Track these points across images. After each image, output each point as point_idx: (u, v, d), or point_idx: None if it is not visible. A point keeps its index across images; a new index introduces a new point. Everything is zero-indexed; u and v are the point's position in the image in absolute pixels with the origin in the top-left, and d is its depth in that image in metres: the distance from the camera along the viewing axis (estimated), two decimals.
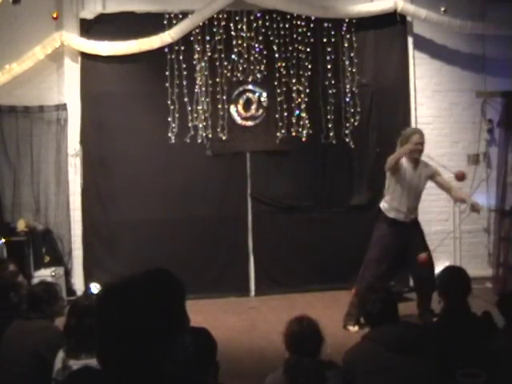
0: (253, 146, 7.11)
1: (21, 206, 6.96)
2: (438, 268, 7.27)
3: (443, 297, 3.33)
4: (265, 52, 7.05)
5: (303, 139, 7.13)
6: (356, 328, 5.43)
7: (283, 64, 7.07)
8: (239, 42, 7.00)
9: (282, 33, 7.05)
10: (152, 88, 6.98)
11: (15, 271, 4.03)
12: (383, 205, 5.58)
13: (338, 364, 2.93)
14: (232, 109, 7.09)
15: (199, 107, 7.00)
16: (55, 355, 2.98)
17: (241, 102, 7.10)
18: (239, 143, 7.11)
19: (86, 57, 6.92)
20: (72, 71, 6.96)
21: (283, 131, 7.08)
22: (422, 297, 5.43)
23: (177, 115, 6.98)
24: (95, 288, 5.99)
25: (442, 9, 7.03)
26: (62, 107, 6.96)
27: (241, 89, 7.10)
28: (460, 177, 5.67)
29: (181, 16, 6.90)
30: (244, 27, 6.99)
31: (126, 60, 6.90)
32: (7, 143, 6.94)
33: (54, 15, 6.74)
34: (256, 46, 7.02)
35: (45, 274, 6.34)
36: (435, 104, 7.45)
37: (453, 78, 7.45)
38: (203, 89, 7.00)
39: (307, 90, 7.12)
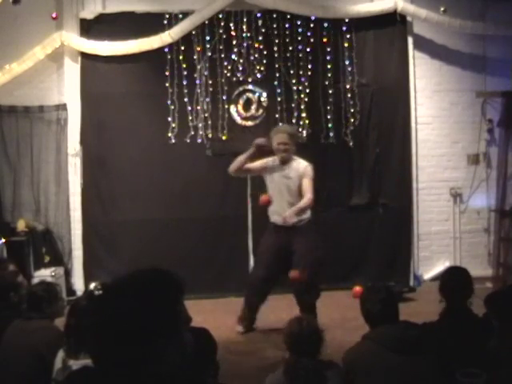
0: None
1: (21, 205, 6.95)
2: (439, 268, 7.36)
3: (445, 297, 3.33)
4: (265, 52, 7.04)
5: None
6: (241, 329, 5.50)
7: (283, 64, 7.07)
8: (239, 42, 7.00)
9: (282, 33, 7.05)
10: (152, 88, 6.98)
11: (15, 271, 4.04)
12: (269, 209, 5.43)
13: (337, 364, 2.93)
14: (232, 109, 7.09)
15: (199, 107, 7.00)
16: (55, 355, 2.98)
17: (241, 102, 7.10)
18: (239, 143, 7.09)
19: (85, 57, 6.91)
20: (72, 71, 6.95)
21: None
22: (299, 306, 5.34)
23: (177, 115, 6.98)
24: (95, 288, 5.98)
25: (442, 9, 7.04)
26: (62, 107, 6.95)
27: (241, 89, 7.09)
28: (264, 202, 5.31)
29: (181, 16, 6.90)
30: (244, 27, 6.99)
31: (125, 60, 6.90)
32: (7, 143, 6.94)
33: (54, 15, 6.74)
34: (256, 45, 7.02)
35: (45, 274, 6.33)
36: (435, 104, 7.45)
37: (453, 78, 7.45)
38: (203, 89, 7.00)
39: (307, 90, 7.11)
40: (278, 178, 5.34)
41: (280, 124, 6.95)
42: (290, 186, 5.32)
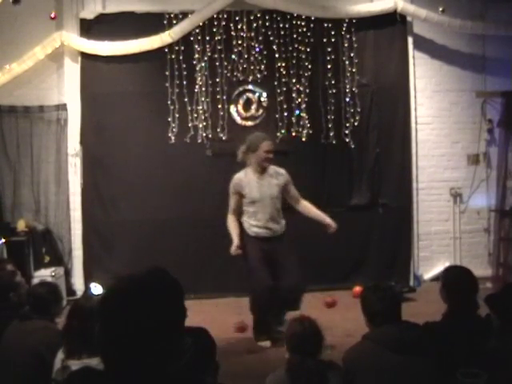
0: None
1: (21, 205, 6.96)
2: (439, 268, 7.35)
3: (448, 297, 3.32)
4: (265, 52, 7.04)
5: (303, 139, 7.13)
6: (268, 343, 5.14)
7: (283, 64, 7.07)
8: (239, 41, 7.00)
9: (282, 33, 7.05)
10: (152, 88, 6.98)
11: (13, 271, 4.02)
12: (243, 223, 5.26)
13: (337, 364, 2.93)
14: (232, 109, 7.09)
15: (199, 107, 7.00)
16: (55, 355, 2.97)
17: (241, 102, 7.10)
18: (239, 143, 7.07)
19: (85, 57, 6.91)
20: (72, 71, 6.96)
21: (283, 131, 7.08)
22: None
23: (177, 115, 6.98)
24: (95, 288, 5.97)
25: (440, 9, 7.04)
26: (62, 107, 6.95)
27: (241, 89, 7.09)
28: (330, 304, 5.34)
29: (181, 16, 6.90)
30: (244, 27, 6.99)
31: (125, 60, 6.90)
32: (7, 143, 6.94)
33: (52, 15, 6.74)
34: (256, 46, 7.02)
35: (45, 274, 6.33)
36: (435, 104, 7.45)
37: (453, 78, 7.46)
38: (203, 89, 7.00)
39: (307, 90, 7.11)
40: (257, 191, 5.14)
41: (280, 124, 6.97)
42: (274, 193, 5.16)
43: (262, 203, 5.13)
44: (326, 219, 5.32)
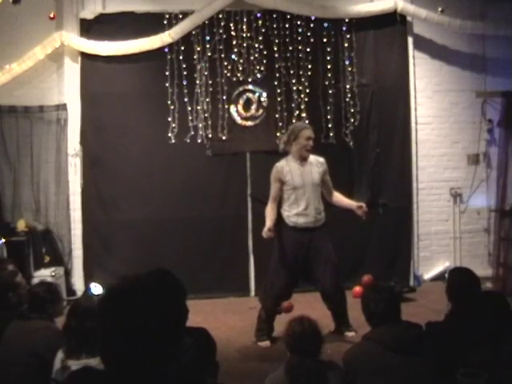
0: (253, 146, 7.10)
1: (21, 205, 6.95)
2: (439, 268, 7.36)
3: (451, 299, 3.33)
4: (265, 52, 7.04)
5: None
6: (268, 343, 5.14)
7: (283, 64, 7.07)
8: (239, 42, 7.00)
9: (282, 33, 7.05)
10: (152, 88, 6.98)
11: (14, 271, 4.02)
12: (282, 213, 5.13)
13: (337, 364, 2.93)
14: (232, 109, 7.09)
15: (199, 107, 7.00)
16: (55, 355, 2.97)
17: (241, 102, 7.10)
18: (239, 143, 7.11)
19: (86, 57, 6.91)
20: (72, 71, 6.96)
21: (283, 131, 7.07)
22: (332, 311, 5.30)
23: (177, 115, 6.98)
24: (95, 288, 5.98)
25: (440, 9, 7.04)
26: (62, 107, 6.95)
27: (241, 89, 7.09)
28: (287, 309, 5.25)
29: (181, 16, 6.90)
30: (244, 27, 6.99)
31: (126, 60, 6.90)
32: (7, 143, 6.94)
33: (51, 15, 6.74)
34: (256, 46, 7.02)
35: (45, 273, 6.33)
36: (435, 104, 7.46)
37: (453, 78, 7.46)
38: (203, 89, 7.01)
39: (307, 90, 7.11)
40: (299, 178, 5.11)
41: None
42: (315, 180, 5.17)
43: (303, 190, 5.11)
44: (357, 204, 5.35)
